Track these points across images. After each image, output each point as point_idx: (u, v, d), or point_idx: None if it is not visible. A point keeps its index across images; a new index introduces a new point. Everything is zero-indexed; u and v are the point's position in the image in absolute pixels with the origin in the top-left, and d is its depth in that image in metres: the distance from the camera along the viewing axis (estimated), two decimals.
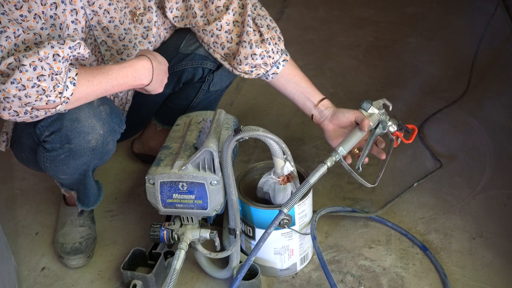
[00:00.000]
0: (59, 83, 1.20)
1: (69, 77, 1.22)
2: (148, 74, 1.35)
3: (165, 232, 1.42)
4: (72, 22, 1.39)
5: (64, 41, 1.21)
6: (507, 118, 2.04)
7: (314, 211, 1.53)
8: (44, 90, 1.18)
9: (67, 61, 1.22)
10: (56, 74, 1.19)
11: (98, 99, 1.33)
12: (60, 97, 1.21)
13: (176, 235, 1.41)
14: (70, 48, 1.21)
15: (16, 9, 1.25)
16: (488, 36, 2.36)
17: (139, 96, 1.66)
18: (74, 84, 1.23)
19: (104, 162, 1.45)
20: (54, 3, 1.33)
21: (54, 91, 1.20)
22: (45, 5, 1.32)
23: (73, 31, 1.40)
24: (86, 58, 1.29)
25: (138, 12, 1.50)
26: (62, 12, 1.35)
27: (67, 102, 1.24)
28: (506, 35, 2.51)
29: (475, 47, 2.29)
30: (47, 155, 1.35)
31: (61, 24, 1.36)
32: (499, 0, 2.59)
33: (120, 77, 1.30)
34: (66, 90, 1.22)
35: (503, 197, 1.70)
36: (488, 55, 2.39)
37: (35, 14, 1.29)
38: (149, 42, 1.55)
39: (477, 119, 2.05)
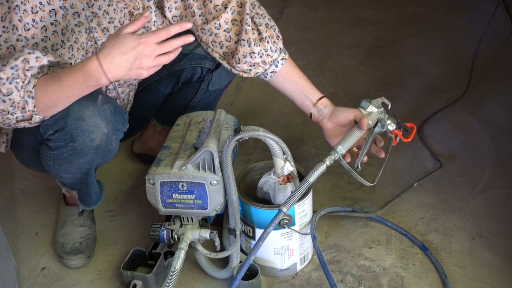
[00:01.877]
0: (14, 102, 1.22)
1: (27, 91, 1.22)
2: (98, 73, 1.21)
3: (165, 232, 1.42)
4: (76, 25, 1.39)
5: (7, 62, 1.21)
6: (507, 118, 2.04)
7: (314, 211, 1.53)
8: (5, 111, 1.23)
9: (15, 80, 1.21)
10: (8, 95, 1.21)
11: (102, 97, 1.34)
12: (25, 112, 1.24)
13: (176, 235, 1.41)
14: (12, 68, 1.21)
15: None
16: (488, 36, 2.35)
17: (139, 96, 1.67)
18: (32, 98, 1.23)
19: (106, 161, 1.45)
20: (53, 9, 1.34)
21: (16, 108, 1.23)
22: (36, 13, 1.32)
23: (78, 34, 1.40)
24: (49, 66, 1.28)
25: (135, 13, 1.50)
26: (62, 18, 1.36)
27: (37, 113, 1.25)
28: (506, 35, 2.51)
29: (475, 47, 2.29)
30: (51, 154, 1.35)
31: (62, 29, 1.36)
32: (499, 0, 2.59)
33: (72, 83, 1.22)
34: (27, 104, 1.23)
35: (503, 197, 1.70)
36: (488, 55, 2.39)
37: (13, 25, 1.29)
38: None
39: (477, 119, 2.05)
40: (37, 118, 1.26)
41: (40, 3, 1.31)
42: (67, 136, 1.31)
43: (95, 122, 1.31)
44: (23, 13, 1.29)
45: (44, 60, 1.24)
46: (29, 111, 1.24)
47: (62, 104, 1.26)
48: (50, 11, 1.33)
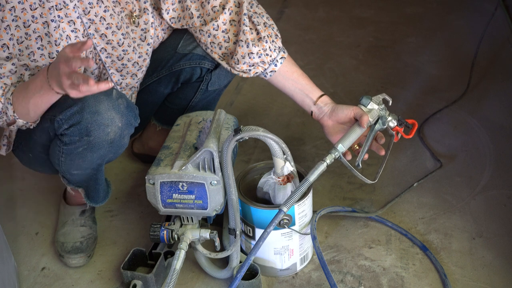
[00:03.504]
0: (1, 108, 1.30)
1: (7, 98, 1.30)
2: (46, 82, 1.26)
3: (165, 232, 1.42)
4: (72, 31, 1.40)
5: None
6: (507, 118, 2.04)
7: (314, 211, 1.53)
8: None
9: None
10: None
11: (116, 92, 1.35)
12: (8, 117, 1.32)
13: (176, 235, 1.41)
14: None
15: None
16: (488, 36, 2.36)
17: (138, 97, 1.67)
18: (11, 104, 1.30)
19: (117, 157, 1.46)
20: (45, 22, 1.35)
21: (2, 113, 1.31)
22: (29, 27, 1.34)
23: (75, 39, 1.40)
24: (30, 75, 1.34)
25: (134, 14, 1.50)
26: (55, 30, 1.36)
27: (18, 118, 1.32)
28: (506, 35, 2.51)
29: (475, 47, 2.29)
30: (64, 149, 1.35)
31: (55, 41, 1.37)
32: (499, 0, 2.59)
33: (34, 88, 1.27)
34: (8, 110, 1.31)
35: (503, 197, 1.70)
36: (488, 55, 2.39)
37: (3, 44, 1.34)
38: (148, 44, 1.55)
39: (477, 119, 2.05)
40: (20, 122, 1.33)
41: (28, 19, 1.35)
42: (82, 130, 1.31)
43: (110, 115, 1.32)
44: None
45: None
46: (11, 115, 1.31)
47: (33, 111, 1.31)
48: (43, 23, 1.36)
